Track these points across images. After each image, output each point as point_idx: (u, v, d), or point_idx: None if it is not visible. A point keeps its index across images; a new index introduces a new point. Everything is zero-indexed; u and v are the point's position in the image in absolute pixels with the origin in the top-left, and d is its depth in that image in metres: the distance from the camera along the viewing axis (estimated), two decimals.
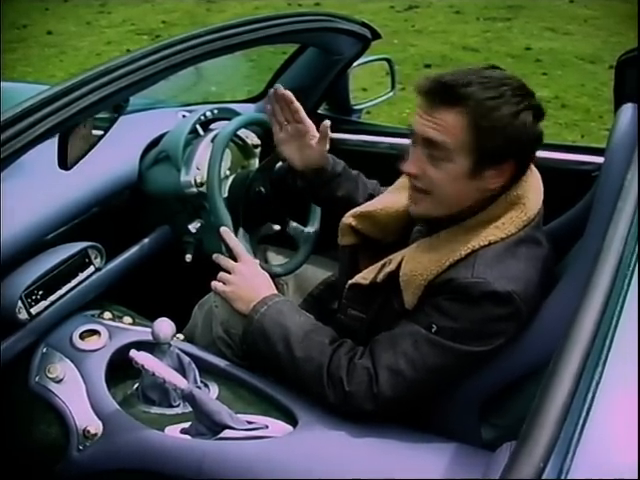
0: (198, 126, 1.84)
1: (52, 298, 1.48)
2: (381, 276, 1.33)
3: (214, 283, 1.44)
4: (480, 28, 6.61)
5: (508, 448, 1.00)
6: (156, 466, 1.25)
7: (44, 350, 1.43)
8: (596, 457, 0.68)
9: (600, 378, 0.73)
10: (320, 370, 1.28)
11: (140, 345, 1.37)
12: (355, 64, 2.08)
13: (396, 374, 1.24)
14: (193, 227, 1.79)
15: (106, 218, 1.72)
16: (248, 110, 2.07)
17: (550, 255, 1.33)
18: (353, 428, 1.25)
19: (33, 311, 1.43)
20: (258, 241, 1.85)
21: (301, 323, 1.36)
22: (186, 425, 1.29)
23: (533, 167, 1.34)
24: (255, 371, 1.43)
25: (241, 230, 1.71)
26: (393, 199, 1.50)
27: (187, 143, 1.78)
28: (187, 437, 1.27)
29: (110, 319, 1.52)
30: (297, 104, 1.57)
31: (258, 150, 1.94)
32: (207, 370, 1.42)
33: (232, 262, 1.46)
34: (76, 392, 1.35)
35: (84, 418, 1.32)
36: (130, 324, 1.52)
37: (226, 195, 1.76)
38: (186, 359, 1.35)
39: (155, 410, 1.35)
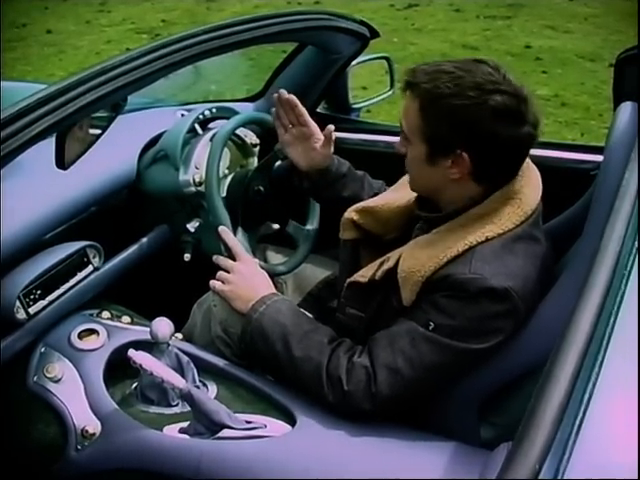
0: (196, 125, 1.84)
1: (50, 297, 1.48)
2: (379, 273, 1.33)
3: (213, 282, 1.44)
4: (480, 26, 6.60)
5: (506, 448, 1.00)
6: (154, 466, 1.25)
7: (42, 350, 1.43)
8: (592, 457, 0.68)
9: (597, 378, 0.72)
10: (319, 370, 1.28)
11: (138, 344, 1.36)
12: (354, 63, 2.08)
13: (394, 373, 1.24)
14: (192, 226, 1.79)
15: (104, 217, 1.72)
16: (247, 109, 2.07)
17: (549, 253, 1.33)
18: (351, 427, 1.25)
19: (31, 310, 1.43)
20: (257, 240, 1.85)
21: (300, 322, 1.36)
22: (184, 425, 1.29)
23: (531, 163, 1.34)
24: (254, 370, 1.43)
25: (240, 229, 1.71)
26: (395, 196, 1.51)
27: (185, 142, 1.78)
28: (185, 437, 1.27)
29: (108, 318, 1.52)
30: (301, 108, 1.59)
31: (257, 149, 1.93)
32: (206, 369, 1.42)
33: (231, 261, 1.46)
34: (74, 392, 1.35)
35: (82, 418, 1.32)
36: (129, 323, 1.52)
37: (225, 194, 1.76)
38: (185, 358, 1.35)
39: (153, 410, 1.35)
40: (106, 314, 1.53)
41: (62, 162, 1.30)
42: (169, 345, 1.35)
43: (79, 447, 1.30)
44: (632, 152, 1.16)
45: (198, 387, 1.33)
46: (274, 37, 1.65)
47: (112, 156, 1.70)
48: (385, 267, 1.33)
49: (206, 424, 1.24)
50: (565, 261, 1.36)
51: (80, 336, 1.45)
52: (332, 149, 1.61)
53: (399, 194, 1.50)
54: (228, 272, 1.44)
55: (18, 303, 1.39)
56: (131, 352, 1.26)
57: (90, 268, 1.57)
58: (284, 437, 1.25)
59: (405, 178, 1.54)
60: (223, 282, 1.43)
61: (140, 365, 1.25)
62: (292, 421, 1.28)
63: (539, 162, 1.36)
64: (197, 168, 1.74)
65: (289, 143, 1.62)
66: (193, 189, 1.74)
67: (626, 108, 1.36)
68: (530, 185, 1.31)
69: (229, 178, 1.81)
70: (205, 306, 1.65)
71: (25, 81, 4.28)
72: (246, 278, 1.43)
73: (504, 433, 1.22)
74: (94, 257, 1.58)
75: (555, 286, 1.26)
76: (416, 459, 1.21)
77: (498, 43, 6.06)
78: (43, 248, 1.49)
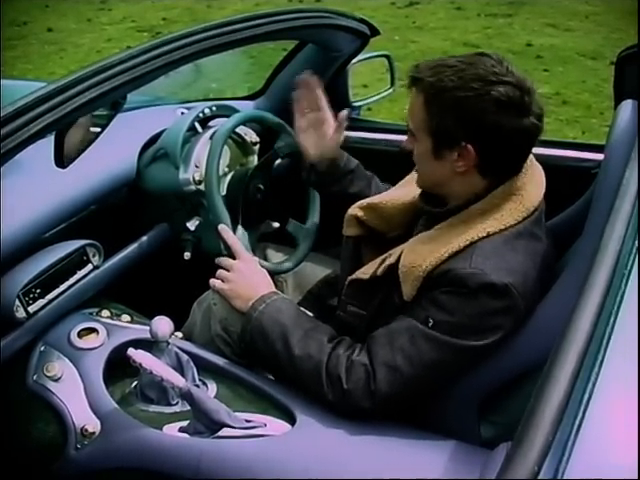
0: (196, 123, 1.84)
1: (50, 296, 1.47)
2: (381, 269, 1.33)
3: (213, 281, 1.44)
4: (481, 24, 6.60)
5: (505, 448, 1.00)
6: (154, 465, 1.25)
7: (42, 348, 1.43)
8: (592, 458, 0.68)
9: (597, 378, 0.72)
10: (319, 368, 1.28)
11: (138, 343, 1.36)
12: (354, 61, 2.08)
13: (393, 370, 1.24)
14: (192, 225, 1.79)
15: (104, 216, 1.72)
16: (247, 107, 2.06)
17: (550, 251, 1.33)
18: (351, 426, 1.25)
19: (31, 309, 1.43)
20: (257, 239, 1.84)
21: (300, 321, 1.36)
22: (184, 423, 1.29)
23: (535, 161, 1.34)
24: (253, 369, 1.43)
25: (240, 228, 1.71)
26: (400, 193, 1.51)
27: (185, 140, 1.78)
28: (185, 436, 1.26)
29: (108, 317, 1.52)
30: (319, 92, 1.63)
31: (257, 147, 1.93)
32: (205, 368, 1.41)
33: (231, 260, 1.46)
34: (74, 391, 1.35)
35: (82, 417, 1.32)
36: (128, 322, 1.52)
37: (225, 193, 1.75)
38: (184, 357, 1.35)
39: (153, 408, 1.34)
40: (106, 313, 1.53)
41: (61, 160, 1.30)
42: (169, 344, 1.34)
43: (79, 446, 1.30)
44: (632, 151, 1.16)
45: (198, 386, 1.33)
46: (275, 35, 1.65)
47: (112, 154, 1.70)
48: (387, 263, 1.33)
49: (206, 423, 1.24)
50: (566, 259, 1.35)
51: (80, 335, 1.45)
52: (342, 136, 1.64)
53: (404, 191, 1.51)
54: (228, 271, 1.44)
55: (17, 302, 1.39)
56: (131, 351, 1.26)
57: (90, 267, 1.57)
58: (284, 436, 1.25)
59: (410, 176, 1.55)
60: (223, 281, 1.43)
61: (140, 364, 1.25)
62: (292, 420, 1.28)
63: (540, 160, 1.36)
64: (197, 166, 1.74)
65: (302, 129, 1.65)
66: (193, 187, 1.74)
67: (627, 106, 1.36)
68: (533, 182, 1.31)
69: (229, 176, 1.80)
70: (205, 305, 1.65)
71: (26, 79, 4.27)
72: (246, 277, 1.43)
73: (504, 432, 1.22)
74: (94, 256, 1.58)
75: (555, 285, 1.25)
76: (416, 458, 1.21)
77: (499, 41, 6.05)
78: (43, 247, 1.49)
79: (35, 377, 1.38)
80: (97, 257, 1.59)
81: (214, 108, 1.90)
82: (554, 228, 1.43)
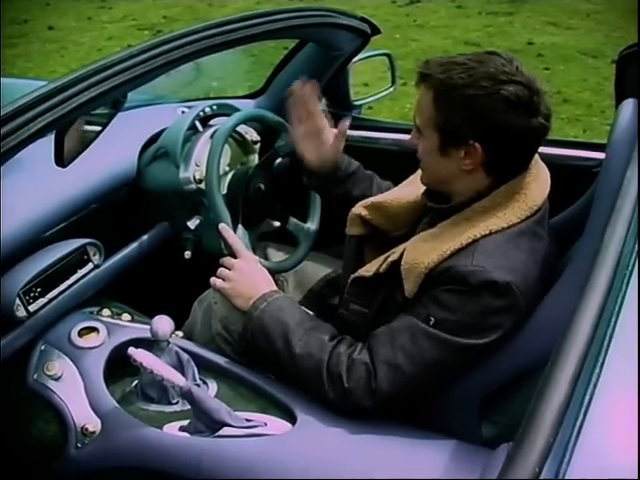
0: (197, 122, 1.84)
1: (50, 295, 1.48)
2: (384, 267, 1.33)
3: (213, 280, 1.44)
4: (482, 23, 6.59)
5: (506, 448, 0.99)
6: (154, 464, 1.25)
7: (42, 347, 1.43)
8: (593, 460, 0.68)
9: (598, 380, 0.72)
10: (320, 367, 1.28)
11: (139, 342, 1.36)
12: (355, 59, 2.07)
13: (394, 369, 1.24)
14: (192, 224, 1.79)
15: (105, 215, 1.72)
16: (248, 106, 2.06)
17: (552, 251, 1.32)
18: (352, 425, 1.25)
19: (31, 308, 1.43)
20: (258, 238, 1.84)
21: (301, 320, 1.35)
22: (185, 423, 1.29)
23: (539, 160, 1.34)
24: (254, 368, 1.43)
25: (240, 227, 1.71)
26: (405, 191, 1.51)
27: (186, 139, 1.78)
28: (186, 435, 1.26)
29: (109, 316, 1.52)
30: (316, 100, 1.59)
31: (257, 146, 1.93)
32: (206, 367, 1.41)
33: (232, 259, 1.45)
34: (74, 390, 1.35)
35: (82, 416, 1.32)
36: (129, 321, 1.52)
37: (225, 192, 1.75)
38: (185, 356, 1.35)
39: (154, 408, 1.34)
40: (106, 312, 1.53)
41: (61, 159, 1.30)
42: (169, 343, 1.34)
43: (79, 445, 1.30)
44: (634, 150, 1.16)
45: (198, 385, 1.33)
46: (275, 34, 1.64)
47: (112, 153, 1.70)
48: (390, 260, 1.33)
49: (206, 422, 1.24)
50: (567, 259, 1.35)
51: (80, 334, 1.45)
52: (343, 144, 1.61)
53: (408, 190, 1.50)
54: (229, 269, 1.44)
55: (18, 301, 1.39)
56: (131, 350, 1.26)
57: (90, 266, 1.57)
58: (284, 435, 1.25)
59: (415, 175, 1.54)
60: (224, 279, 1.43)
61: (140, 363, 1.24)
62: (292, 419, 1.28)
63: (541, 159, 1.35)
64: (198, 165, 1.74)
65: (301, 137, 1.62)
66: (194, 186, 1.74)
67: (628, 105, 1.36)
68: (537, 181, 1.31)
69: (230, 175, 1.80)
70: (206, 303, 1.65)
71: (26, 78, 4.27)
72: (247, 275, 1.43)
73: (505, 432, 1.22)
74: (94, 255, 1.58)
75: (557, 284, 1.25)
76: (416, 458, 1.20)
77: (500, 40, 6.05)
78: (43, 246, 1.49)
79: (35, 376, 1.38)
80: (97, 256, 1.59)
81: (215, 107, 1.90)
82: (555, 227, 1.43)
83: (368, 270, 1.37)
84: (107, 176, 1.69)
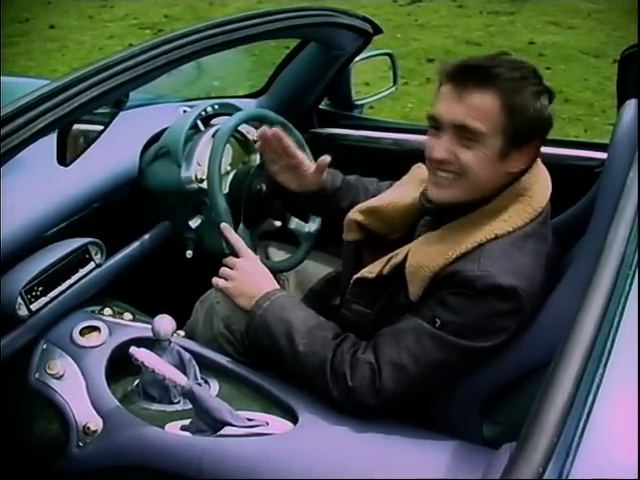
0: (199, 121, 1.84)
1: (52, 294, 1.47)
2: (387, 268, 1.33)
3: (215, 279, 1.44)
4: (483, 22, 6.59)
5: (509, 449, 0.99)
6: (156, 463, 1.25)
7: (44, 346, 1.43)
8: (596, 460, 0.68)
9: (601, 380, 0.72)
10: (323, 365, 1.28)
11: (140, 341, 1.36)
12: (357, 59, 2.07)
13: (399, 369, 1.24)
14: (194, 223, 1.79)
15: (106, 214, 1.72)
16: (249, 105, 2.06)
17: (556, 251, 1.33)
18: (354, 425, 1.25)
19: (33, 307, 1.43)
20: (259, 237, 1.84)
21: (304, 318, 1.36)
22: (186, 422, 1.29)
23: (539, 161, 1.34)
24: (256, 368, 1.43)
25: (241, 226, 1.71)
26: (400, 194, 1.50)
27: (188, 139, 1.78)
28: (187, 434, 1.26)
29: (110, 315, 1.52)
30: (287, 140, 1.55)
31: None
32: (208, 367, 1.41)
33: (233, 258, 1.46)
34: (76, 389, 1.35)
35: (84, 415, 1.32)
36: (130, 320, 1.52)
37: (227, 191, 1.75)
38: (186, 356, 1.35)
39: (155, 407, 1.34)
40: (108, 311, 1.53)
41: (63, 159, 1.30)
42: (171, 342, 1.34)
43: (80, 444, 1.30)
44: (636, 150, 1.15)
45: (200, 384, 1.33)
46: (277, 33, 1.64)
47: (114, 152, 1.70)
48: (393, 262, 1.33)
49: (208, 422, 1.24)
50: (569, 258, 1.35)
51: (82, 333, 1.45)
52: (324, 175, 1.58)
53: (403, 192, 1.49)
54: (231, 269, 1.44)
55: (20, 300, 1.39)
56: (133, 349, 1.26)
57: (92, 265, 1.57)
58: (286, 435, 1.25)
59: (407, 176, 1.54)
60: (226, 279, 1.43)
61: (142, 362, 1.24)
62: (294, 419, 1.28)
63: (543, 159, 1.35)
64: (199, 165, 1.74)
65: (278, 172, 1.60)
66: (195, 186, 1.74)
67: (630, 106, 1.36)
68: (539, 183, 1.31)
69: (231, 175, 1.80)
70: (207, 303, 1.65)
71: (28, 77, 4.27)
72: (249, 274, 1.43)
73: (507, 432, 1.22)
74: (96, 254, 1.58)
75: (559, 285, 1.25)
76: (419, 458, 1.20)
77: (501, 39, 6.05)
78: (45, 245, 1.49)
79: (37, 375, 1.38)
80: (99, 255, 1.59)
81: (216, 106, 1.90)
82: (557, 227, 1.43)
83: (371, 271, 1.37)
84: (109, 175, 1.69)
